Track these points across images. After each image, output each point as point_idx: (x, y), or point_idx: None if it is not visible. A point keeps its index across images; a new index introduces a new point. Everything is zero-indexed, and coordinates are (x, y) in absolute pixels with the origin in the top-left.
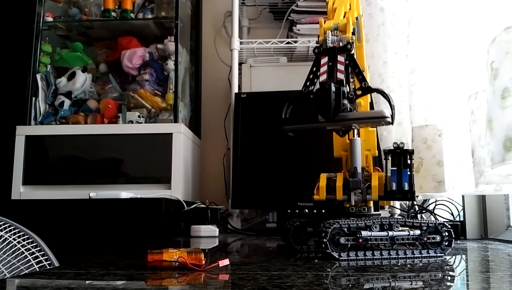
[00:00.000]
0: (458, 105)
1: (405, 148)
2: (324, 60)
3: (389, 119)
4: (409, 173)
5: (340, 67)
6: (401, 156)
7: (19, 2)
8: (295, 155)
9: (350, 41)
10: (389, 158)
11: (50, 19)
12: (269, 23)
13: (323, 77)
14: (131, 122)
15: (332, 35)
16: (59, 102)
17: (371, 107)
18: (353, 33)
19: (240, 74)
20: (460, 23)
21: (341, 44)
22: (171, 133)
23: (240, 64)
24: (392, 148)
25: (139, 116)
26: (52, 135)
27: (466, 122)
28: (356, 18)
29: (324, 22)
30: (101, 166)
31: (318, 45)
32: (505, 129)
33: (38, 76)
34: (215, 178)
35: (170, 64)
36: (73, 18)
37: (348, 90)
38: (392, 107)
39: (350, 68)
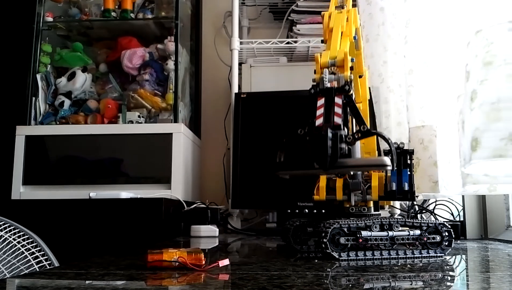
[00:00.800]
0: (449, 106)
1: (405, 148)
2: (321, 102)
3: (390, 167)
4: (409, 173)
5: (337, 110)
6: (401, 156)
7: (19, 2)
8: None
9: (348, 80)
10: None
11: (50, 19)
12: (269, 23)
13: (319, 121)
14: (131, 122)
15: (329, 72)
16: (59, 102)
17: (371, 107)
18: (355, 38)
19: (240, 74)
20: (455, 25)
21: (338, 84)
22: (171, 133)
23: (240, 64)
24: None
25: (139, 116)
26: (52, 135)
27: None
28: (355, 38)
29: (320, 56)
30: (101, 166)
31: (314, 83)
32: (472, 130)
33: (38, 76)
34: (215, 178)
35: (170, 64)
36: (73, 18)
37: (346, 133)
38: (393, 152)
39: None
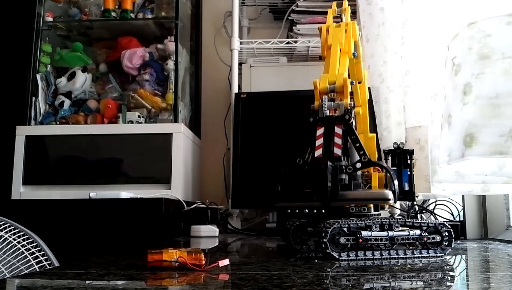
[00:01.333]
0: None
1: (405, 148)
2: (320, 131)
3: (392, 201)
4: (409, 173)
5: (337, 140)
6: (401, 156)
7: (19, 2)
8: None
9: (349, 108)
10: (389, 158)
11: (50, 19)
12: (269, 23)
13: (318, 152)
14: (131, 122)
15: (328, 99)
16: (59, 102)
17: (371, 107)
18: (354, 54)
19: (240, 74)
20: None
21: (338, 112)
22: (171, 133)
23: (240, 64)
24: (392, 148)
25: (139, 116)
26: (52, 135)
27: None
28: (354, 54)
29: (319, 81)
30: (101, 166)
31: (313, 109)
32: (465, 124)
33: (38, 76)
34: (215, 178)
35: (170, 64)
36: (73, 18)
37: (346, 163)
38: (394, 186)
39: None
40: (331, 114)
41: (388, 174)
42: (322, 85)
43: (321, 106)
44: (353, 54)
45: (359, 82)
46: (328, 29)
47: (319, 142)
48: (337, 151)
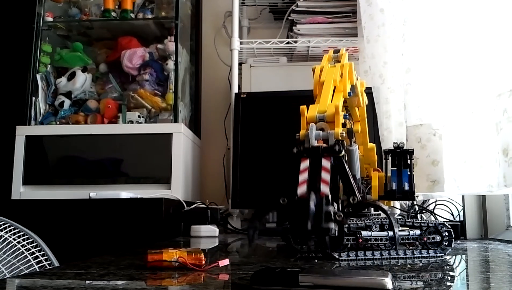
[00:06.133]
0: (460, 105)
1: (405, 148)
2: (304, 164)
3: None
4: (409, 173)
5: (325, 176)
6: (401, 156)
7: (19, 2)
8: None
9: (339, 138)
10: (389, 158)
11: (50, 19)
12: (269, 23)
13: (301, 189)
14: (131, 122)
15: (316, 128)
16: (59, 102)
17: (372, 107)
18: (349, 94)
19: (240, 74)
20: (460, 20)
21: (328, 144)
22: (171, 133)
23: (240, 64)
24: (392, 148)
25: (139, 116)
26: (52, 135)
27: (470, 121)
28: (349, 93)
29: (307, 109)
30: (101, 166)
31: (298, 139)
32: None
33: (38, 76)
34: (215, 178)
35: (170, 64)
36: (73, 18)
37: (335, 209)
38: (395, 233)
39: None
40: (319, 144)
41: (388, 218)
42: (311, 114)
43: (307, 135)
44: (349, 93)
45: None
46: (322, 69)
47: (302, 177)
48: (324, 189)
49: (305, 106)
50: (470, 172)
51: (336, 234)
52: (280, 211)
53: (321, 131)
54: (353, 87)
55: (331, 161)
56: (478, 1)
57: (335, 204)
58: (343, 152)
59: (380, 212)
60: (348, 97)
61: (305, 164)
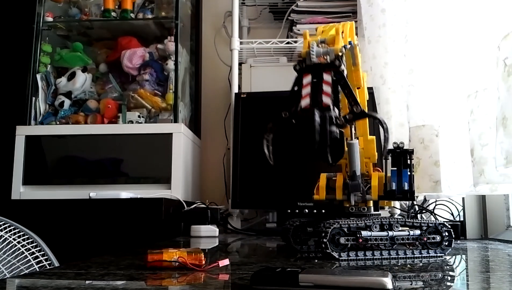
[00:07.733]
0: (455, 105)
1: (404, 148)
2: (307, 79)
3: None
4: (409, 173)
5: (326, 88)
6: (401, 156)
7: (19, 2)
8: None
9: (340, 53)
10: (389, 158)
11: (50, 19)
12: (269, 23)
13: (305, 101)
14: (131, 122)
15: (317, 46)
16: (59, 102)
17: (373, 108)
18: (345, 47)
19: (240, 74)
20: (459, 22)
21: (328, 59)
22: (171, 133)
23: (240, 64)
24: (392, 148)
25: (139, 116)
26: (52, 135)
27: (463, 121)
28: (350, 43)
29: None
30: (101, 166)
31: (300, 59)
32: None
33: (38, 76)
34: (215, 178)
35: (170, 64)
36: (73, 18)
37: (336, 114)
38: (386, 140)
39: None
40: (319, 61)
41: (383, 129)
42: (313, 38)
43: (308, 53)
44: (345, 46)
45: (358, 88)
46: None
47: (305, 91)
48: (326, 100)
49: (307, 30)
50: (457, 173)
51: (338, 137)
52: (282, 125)
53: (321, 49)
54: (354, 53)
55: (332, 75)
56: (478, 1)
57: (336, 110)
58: (342, 67)
59: (380, 212)
60: (346, 48)
61: (307, 79)
